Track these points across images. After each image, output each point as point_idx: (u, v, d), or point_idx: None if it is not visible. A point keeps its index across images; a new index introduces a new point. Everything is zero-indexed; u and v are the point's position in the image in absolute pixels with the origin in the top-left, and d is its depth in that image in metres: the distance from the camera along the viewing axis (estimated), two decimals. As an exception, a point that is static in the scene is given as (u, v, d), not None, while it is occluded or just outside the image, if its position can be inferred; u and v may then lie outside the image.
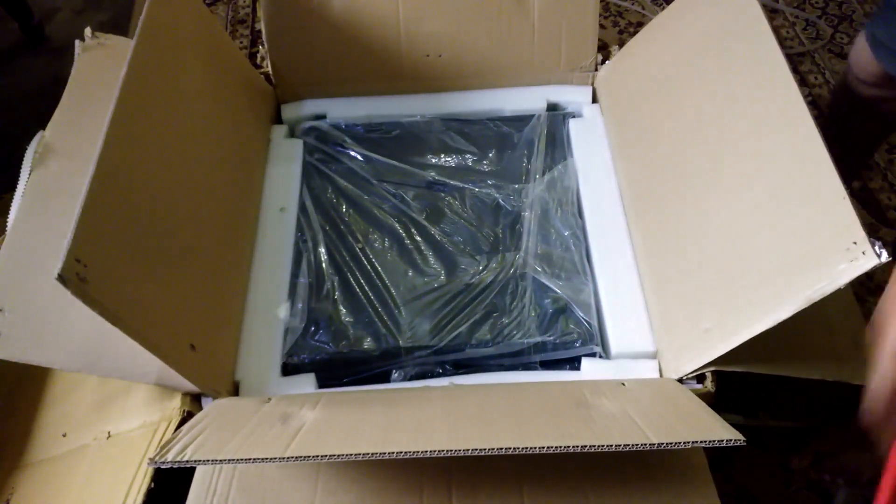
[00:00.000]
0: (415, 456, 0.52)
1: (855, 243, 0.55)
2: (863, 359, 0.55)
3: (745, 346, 0.63)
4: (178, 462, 0.54)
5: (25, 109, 1.44)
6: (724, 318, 0.66)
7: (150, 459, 0.54)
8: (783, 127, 0.67)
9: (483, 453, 0.52)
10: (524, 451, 0.52)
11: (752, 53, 0.74)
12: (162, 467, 0.54)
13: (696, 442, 0.53)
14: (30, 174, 0.76)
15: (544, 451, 0.52)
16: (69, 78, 0.84)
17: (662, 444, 0.53)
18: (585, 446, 0.53)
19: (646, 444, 0.53)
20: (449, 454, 0.52)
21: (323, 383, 0.76)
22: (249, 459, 0.54)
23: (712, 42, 0.82)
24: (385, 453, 0.52)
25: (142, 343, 0.58)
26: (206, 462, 0.62)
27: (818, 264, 0.58)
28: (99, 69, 0.85)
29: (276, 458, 0.53)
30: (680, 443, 0.53)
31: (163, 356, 0.61)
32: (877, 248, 0.54)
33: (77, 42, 0.87)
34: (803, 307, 0.58)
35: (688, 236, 0.73)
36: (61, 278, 0.51)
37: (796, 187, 0.63)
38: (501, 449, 0.52)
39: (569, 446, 0.52)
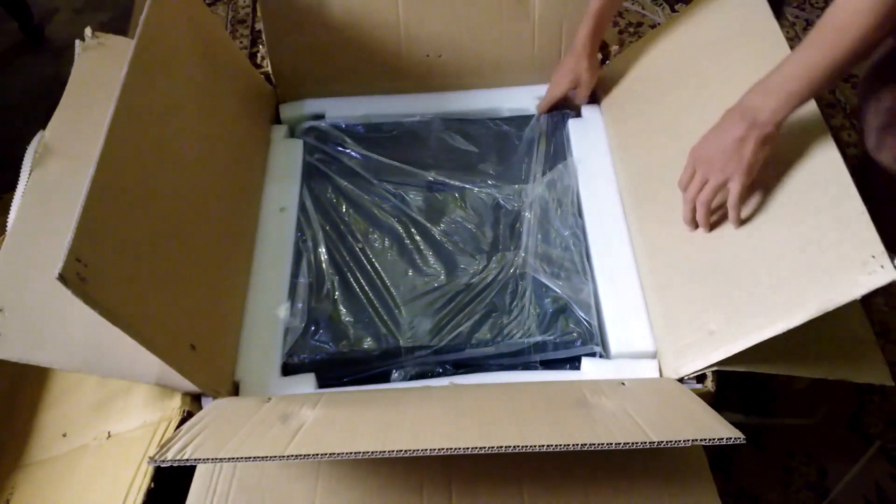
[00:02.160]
0: (415, 455, 0.52)
1: (873, 257, 0.55)
2: (864, 357, 0.55)
3: (746, 347, 0.63)
4: (178, 461, 0.54)
5: (25, 109, 1.44)
6: (732, 321, 0.65)
7: (150, 458, 0.54)
8: (797, 131, 0.66)
9: (483, 452, 0.52)
10: (524, 450, 0.52)
11: (760, 54, 0.73)
12: (162, 466, 0.54)
13: (697, 440, 0.53)
14: (30, 174, 0.76)
15: (544, 449, 0.52)
16: (69, 78, 0.84)
17: (663, 442, 0.53)
18: (586, 445, 0.53)
19: (646, 443, 0.53)
20: (449, 453, 0.52)
21: (323, 383, 0.76)
22: (249, 458, 0.54)
23: (716, 43, 0.82)
24: (385, 452, 0.52)
25: (142, 343, 0.58)
26: (205, 461, 0.61)
27: (834, 275, 0.58)
28: (99, 69, 0.85)
29: (275, 457, 0.53)
30: (680, 441, 0.53)
31: (163, 356, 0.61)
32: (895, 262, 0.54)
33: (77, 42, 0.88)
34: (815, 316, 0.58)
35: (691, 238, 0.72)
36: (61, 278, 0.51)
37: (810, 195, 0.63)
38: (501, 448, 0.52)
39: (569, 445, 0.52)
